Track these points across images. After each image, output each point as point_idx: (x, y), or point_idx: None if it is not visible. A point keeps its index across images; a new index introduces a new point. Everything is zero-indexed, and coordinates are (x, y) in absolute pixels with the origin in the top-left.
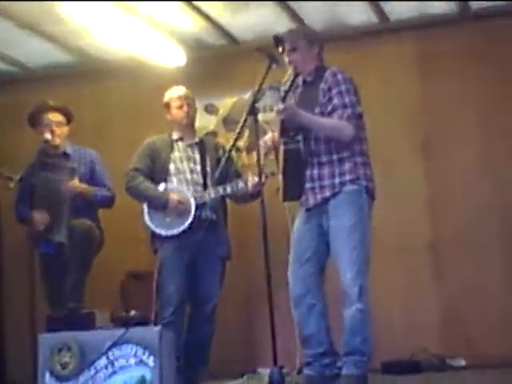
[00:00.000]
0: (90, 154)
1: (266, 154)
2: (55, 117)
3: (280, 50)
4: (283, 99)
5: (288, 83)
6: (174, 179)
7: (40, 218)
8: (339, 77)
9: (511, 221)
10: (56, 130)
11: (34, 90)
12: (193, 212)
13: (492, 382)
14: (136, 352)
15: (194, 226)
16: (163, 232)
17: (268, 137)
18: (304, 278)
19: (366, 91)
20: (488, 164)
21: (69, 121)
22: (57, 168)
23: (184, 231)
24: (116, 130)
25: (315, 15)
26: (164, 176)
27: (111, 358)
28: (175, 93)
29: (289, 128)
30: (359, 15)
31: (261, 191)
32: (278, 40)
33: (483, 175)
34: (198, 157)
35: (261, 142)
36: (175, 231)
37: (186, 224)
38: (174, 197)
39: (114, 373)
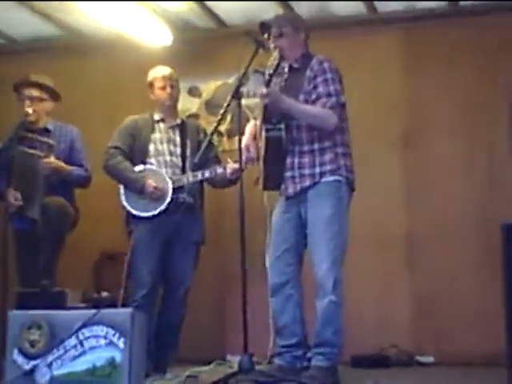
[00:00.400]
0: (72, 131)
1: (246, 163)
2: (30, 91)
3: (266, 36)
4: (267, 83)
5: (273, 67)
6: (154, 160)
7: (12, 199)
8: (325, 65)
9: (487, 216)
10: (31, 105)
11: (18, 62)
12: (169, 195)
13: (460, 378)
14: (107, 333)
15: (171, 209)
16: (138, 213)
17: (249, 129)
18: (283, 268)
19: (351, 80)
20: (469, 157)
21: (52, 97)
22: (34, 143)
23: (160, 213)
24: (96, 106)
25: (305, 3)
26: (143, 157)
27: (81, 338)
28: (159, 72)
29: (272, 114)
30: (348, 6)
31: (239, 177)
32: (265, 26)
33: (463, 168)
34: (178, 139)
35: (243, 141)
36: (151, 213)
37: (162, 206)
38: (150, 183)
39: (84, 353)
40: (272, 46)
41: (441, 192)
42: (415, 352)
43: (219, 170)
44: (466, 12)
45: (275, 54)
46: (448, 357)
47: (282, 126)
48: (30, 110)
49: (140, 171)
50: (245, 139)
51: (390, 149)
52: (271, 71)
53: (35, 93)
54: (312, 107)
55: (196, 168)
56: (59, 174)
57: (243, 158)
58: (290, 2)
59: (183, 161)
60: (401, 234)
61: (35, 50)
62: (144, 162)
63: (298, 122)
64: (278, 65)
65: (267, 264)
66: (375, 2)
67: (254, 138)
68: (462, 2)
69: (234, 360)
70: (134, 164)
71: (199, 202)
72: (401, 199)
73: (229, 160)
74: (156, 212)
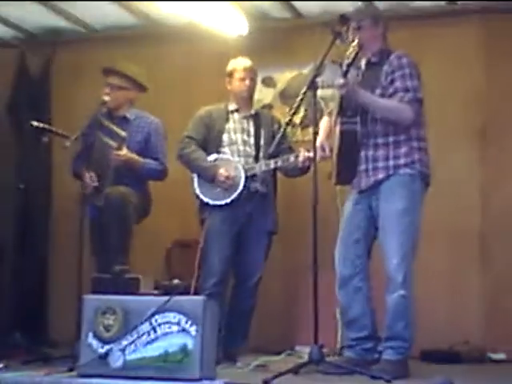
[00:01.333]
0: (151, 123)
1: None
2: (110, 79)
3: (345, 28)
4: (345, 74)
5: (351, 58)
6: (227, 150)
7: (88, 179)
8: (404, 60)
9: None
10: (109, 92)
11: (97, 51)
12: (242, 184)
13: None
14: (179, 320)
15: (243, 198)
16: (211, 201)
17: (323, 126)
18: (352, 260)
19: (428, 73)
20: None
21: (136, 87)
22: (110, 132)
23: (232, 202)
24: (173, 95)
25: None
26: (217, 146)
27: (154, 324)
28: (240, 64)
29: (347, 106)
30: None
31: (310, 167)
32: (344, 19)
33: None
34: (252, 129)
35: (317, 141)
36: (223, 201)
37: (235, 195)
38: (222, 173)
39: (156, 339)
40: (350, 38)
41: None
42: (487, 349)
43: (291, 159)
44: None
45: (354, 44)
46: None
47: (357, 119)
48: (106, 98)
49: (213, 160)
50: (319, 138)
51: (466, 143)
52: (349, 62)
53: (115, 81)
54: (388, 101)
55: (270, 157)
56: (130, 167)
57: (317, 156)
58: None
59: (257, 150)
60: (475, 230)
61: (113, 39)
62: (218, 152)
63: (372, 115)
64: (356, 55)
65: (336, 255)
66: None
67: (328, 136)
68: None
69: (304, 351)
70: (208, 153)
71: (272, 191)
72: (476, 194)
73: (301, 149)
74: (228, 200)
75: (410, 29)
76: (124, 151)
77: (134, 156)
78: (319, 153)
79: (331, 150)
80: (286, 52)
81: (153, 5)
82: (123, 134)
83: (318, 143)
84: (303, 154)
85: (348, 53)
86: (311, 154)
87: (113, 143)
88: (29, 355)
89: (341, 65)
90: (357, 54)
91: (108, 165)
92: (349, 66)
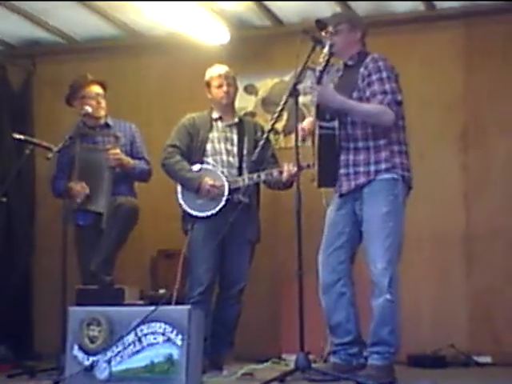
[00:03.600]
0: (130, 126)
1: (303, 140)
2: (98, 89)
3: (323, 34)
4: (318, 80)
5: (323, 64)
6: (211, 160)
7: (79, 188)
8: (380, 63)
9: None
10: (101, 101)
11: (77, 62)
12: (226, 196)
13: None
14: (164, 330)
15: (226, 209)
16: (195, 213)
17: (306, 121)
18: (335, 265)
19: (409, 78)
20: None
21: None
22: (96, 139)
23: (216, 213)
24: (154, 105)
25: (361, 2)
26: (201, 156)
27: (139, 334)
28: (216, 71)
29: (324, 110)
30: (405, 3)
31: (294, 182)
32: (321, 23)
33: None
34: (235, 138)
35: (299, 126)
36: (207, 213)
37: (218, 207)
38: (207, 181)
39: (142, 349)
40: (328, 42)
41: (500, 190)
42: (473, 352)
43: (275, 174)
44: None
45: (325, 51)
46: (506, 357)
47: (336, 123)
48: (97, 108)
49: (197, 171)
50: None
51: (448, 146)
52: (321, 68)
53: (101, 90)
54: (367, 104)
55: (253, 166)
56: (123, 167)
57: (299, 136)
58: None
59: (240, 160)
60: (459, 233)
61: (93, 50)
62: (201, 161)
63: (352, 118)
64: (327, 61)
65: (319, 261)
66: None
67: (312, 125)
68: None
69: (290, 358)
70: (192, 163)
71: (255, 201)
72: (459, 197)
73: (285, 165)
74: (212, 212)
75: (389, 35)
76: (118, 150)
77: (126, 157)
78: (300, 133)
79: (313, 134)
80: (267, 60)
81: (133, 15)
82: (118, 133)
83: (299, 126)
84: (287, 169)
85: (320, 59)
86: (295, 170)
87: (103, 146)
88: (14, 368)
89: (314, 70)
90: (328, 60)
91: (100, 170)
92: (321, 72)
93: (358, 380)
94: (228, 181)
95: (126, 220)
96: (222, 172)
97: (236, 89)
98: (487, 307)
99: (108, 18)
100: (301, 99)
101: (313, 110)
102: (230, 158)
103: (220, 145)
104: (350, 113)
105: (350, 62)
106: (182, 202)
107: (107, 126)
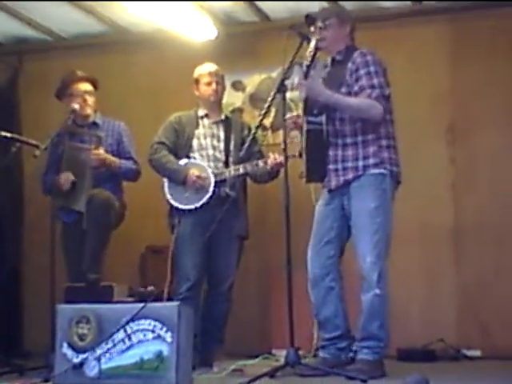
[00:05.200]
0: (119, 125)
1: (291, 130)
2: (86, 86)
3: (312, 29)
4: (306, 74)
5: (309, 58)
6: (197, 155)
7: (65, 177)
8: (368, 58)
9: None
10: (88, 99)
11: (64, 59)
12: (211, 188)
13: (508, 372)
14: (154, 327)
15: (213, 203)
16: (181, 206)
17: (295, 113)
18: (324, 260)
19: (395, 73)
20: None
21: (96, 90)
22: (84, 138)
23: (202, 206)
24: (142, 102)
25: None
26: (187, 152)
27: (129, 331)
28: (205, 69)
29: (312, 105)
30: None
31: (279, 171)
32: (310, 18)
33: (509, 161)
34: (222, 134)
35: (287, 118)
36: (193, 206)
37: (204, 199)
38: (193, 172)
39: (131, 346)
40: (317, 37)
41: (488, 185)
42: (462, 346)
43: (260, 164)
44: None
45: (312, 45)
46: (495, 350)
47: (323, 118)
48: (84, 105)
49: (183, 164)
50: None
51: (435, 141)
52: (308, 63)
53: (89, 87)
54: (355, 98)
55: (240, 162)
56: (108, 167)
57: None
58: None
59: (226, 155)
60: (447, 228)
61: (80, 47)
62: (188, 157)
63: (341, 114)
64: (314, 56)
65: (308, 256)
66: None
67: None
68: None
69: (280, 354)
70: (178, 158)
71: (242, 195)
72: (447, 192)
73: (270, 154)
74: (198, 205)
75: (376, 30)
76: (102, 151)
77: (111, 156)
78: (290, 122)
79: (301, 127)
80: (255, 56)
81: (120, 12)
82: (101, 134)
83: (287, 117)
84: (272, 159)
85: (306, 54)
86: (281, 159)
87: (88, 146)
88: (3, 367)
89: (301, 65)
90: (314, 54)
91: (83, 169)
92: (308, 66)
93: (348, 375)
94: (213, 173)
95: (100, 212)
96: (208, 165)
97: (224, 88)
98: (476, 301)
99: (95, 15)
100: (288, 95)
101: (301, 105)
102: (217, 153)
103: (206, 140)
104: (338, 107)
105: (338, 57)
106: (168, 195)
107: (95, 124)
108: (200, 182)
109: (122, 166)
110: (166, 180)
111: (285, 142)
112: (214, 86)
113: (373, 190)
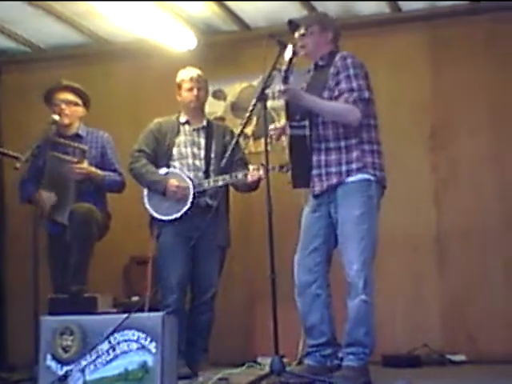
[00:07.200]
0: (103, 136)
1: (277, 139)
2: (65, 95)
3: (296, 35)
4: (284, 79)
5: (286, 64)
6: (177, 163)
7: (47, 197)
8: (348, 61)
9: None
10: (65, 108)
11: (44, 70)
12: (190, 198)
13: (492, 377)
14: (138, 338)
15: (193, 212)
16: (160, 216)
17: (280, 124)
18: (311, 267)
19: (376, 80)
20: (498, 155)
21: (84, 102)
22: (67, 149)
23: (181, 217)
24: (123, 112)
25: (329, 3)
26: (167, 160)
27: (113, 342)
28: (187, 74)
29: (295, 110)
30: (371, 5)
31: (259, 185)
32: (293, 24)
33: (493, 165)
34: (203, 142)
35: (271, 128)
36: (172, 216)
37: (183, 210)
38: (172, 182)
39: (116, 357)
40: (299, 44)
41: (470, 191)
42: (447, 351)
43: (240, 176)
44: (487, 9)
45: (288, 50)
46: (480, 355)
47: (306, 123)
48: (56, 117)
49: (163, 174)
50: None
51: (416, 147)
52: (286, 68)
53: (70, 97)
54: (333, 103)
55: (221, 171)
56: (92, 180)
57: (273, 134)
58: (314, 3)
59: (207, 164)
60: (430, 233)
61: (60, 58)
62: (168, 166)
63: (323, 118)
64: (290, 62)
65: (295, 263)
66: (399, 2)
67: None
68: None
69: (265, 362)
70: (159, 167)
71: (224, 205)
72: (430, 199)
73: (250, 166)
74: (178, 215)
75: (356, 38)
76: (85, 164)
77: (95, 169)
78: (274, 132)
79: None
80: (235, 64)
81: (99, 22)
82: (85, 147)
83: (271, 126)
84: (251, 172)
85: (284, 60)
86: (260, 174)
87: (72, 159)
88: None
89: (280, 71)
90: (291, 60)
91: (66, 181)
92: (285, 71)
93: (334, 381)
94: (193, 183)
95: (81, 225)
96: (188, 176)
97: (207, 92)
98: (461, 306)
99: (75, 26)
100: (270, 103)
101: (282, 113)
102: (197, 162)
103: (186, 149)
104: (318, 112)
105: (320, 62)
106: (148, 206)
107: (78, 136)
108: (180, 193)
109: (105, 179)
110: (145, 190)
111: (266, 155)
112: (195, 91)
113: (358, 196)
